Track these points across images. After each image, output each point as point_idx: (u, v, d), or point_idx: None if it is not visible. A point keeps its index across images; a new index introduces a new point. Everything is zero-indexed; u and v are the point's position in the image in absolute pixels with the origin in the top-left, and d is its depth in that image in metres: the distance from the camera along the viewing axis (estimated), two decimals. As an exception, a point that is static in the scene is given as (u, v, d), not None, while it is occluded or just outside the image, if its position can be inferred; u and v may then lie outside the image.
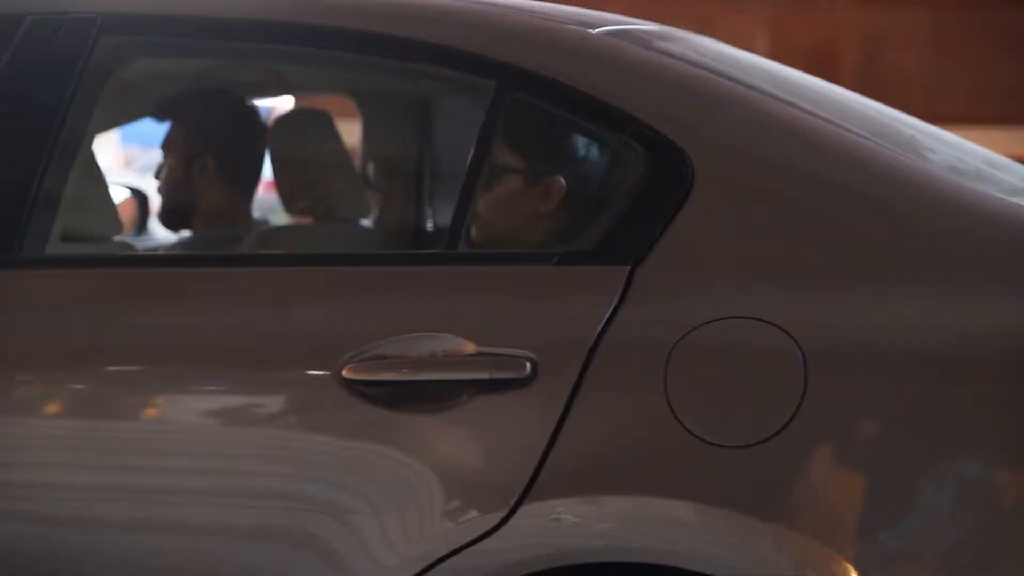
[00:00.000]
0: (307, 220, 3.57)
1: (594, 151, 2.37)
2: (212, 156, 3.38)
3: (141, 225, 4.16)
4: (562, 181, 2.33)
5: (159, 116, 3.66)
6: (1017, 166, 2.70)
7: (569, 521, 2.05)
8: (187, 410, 2.22)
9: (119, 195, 4.37)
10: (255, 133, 3.49)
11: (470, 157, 2.24)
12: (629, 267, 2.09)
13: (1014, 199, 2.34)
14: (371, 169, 3.66)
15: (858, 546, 1.96)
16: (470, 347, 2.10)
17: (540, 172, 2.33)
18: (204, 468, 2.21)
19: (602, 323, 2.06)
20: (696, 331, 2.03)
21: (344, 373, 2.12)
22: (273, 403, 2.19)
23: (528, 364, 2.07)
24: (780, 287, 2.05)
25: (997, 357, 1.99)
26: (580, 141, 2.35)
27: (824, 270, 2.05)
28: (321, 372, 2.13)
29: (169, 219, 3.52)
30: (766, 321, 2.02)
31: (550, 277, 2.14)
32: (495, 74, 2.24)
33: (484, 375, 2.09)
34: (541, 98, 2.23)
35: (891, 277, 2.04)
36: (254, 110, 3.54)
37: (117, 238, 2.97)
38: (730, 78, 2.32)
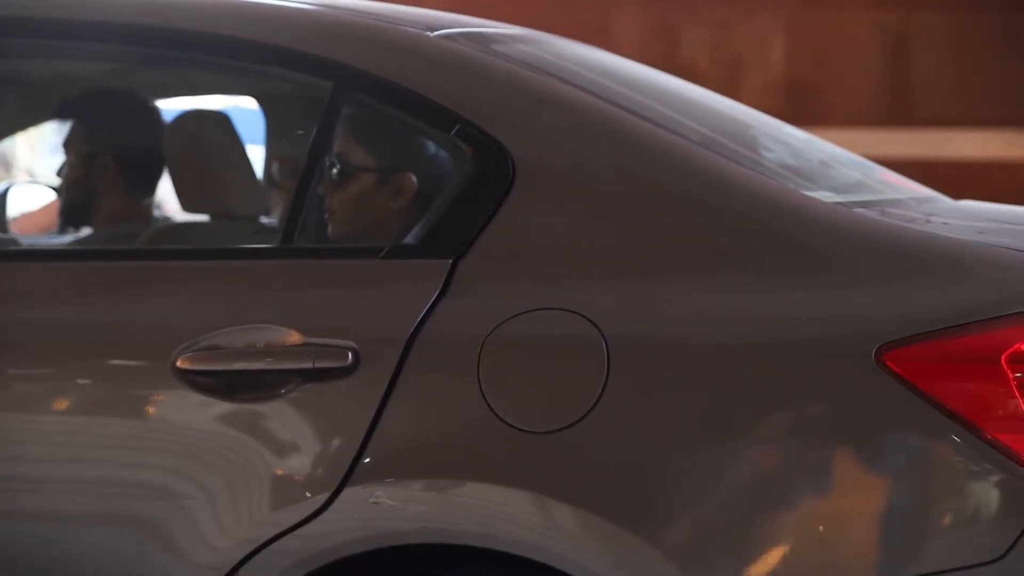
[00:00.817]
0: (203, 218, 3.64)
1: (426, 150, 2.46)
2: (111, 155, 3.45)
3: (48, 223, 4.24)
4: (413, 179, 2.42)
5: (60, 116, 3.75)
6: (857, 160, 2.79)
7: (387, 504, 2.13)
8: (26, 400, 2.30)
9: (27, 194, 4.47)
10: (153, 133, 3.56)
11: (306, 155, 2.32)
12: (451, 261, 2.18)
13: (844, 196, 2.44)
14: (269, 167, 3.75)
15: (658, 528, 2.04)
16: (295, 337, 2.19)
17: (382, 170, 2.42)
18: (45, 457, 2.29)
19: (420, 315, 2.15)
20: (507, 323, 2.12)
21: (177, 363, 2.20)
22: (111, 393, 2.27)
23: (350, 354, 2.16)
24: (588, 278, 2.13)
25: (790, 347, 2.07)
26: (413, 140, 2.44)
27: (630, 262, 2.14)
28: (156, 363, 2.22)
29: (71, 217, 3.59)
30: (573, 311, 2.10)
31: (376, 270, 2.23)
32: (331, 75, 2.33)
33: (308, 364, 2.17)
34: (375, 98, 2.32)
35: (693, 269, 2.12)
36: (153, 110, 3.62)
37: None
38: (565, 80, 2.40)
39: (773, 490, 2.02)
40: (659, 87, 2.76)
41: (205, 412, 2.21)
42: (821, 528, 2.02)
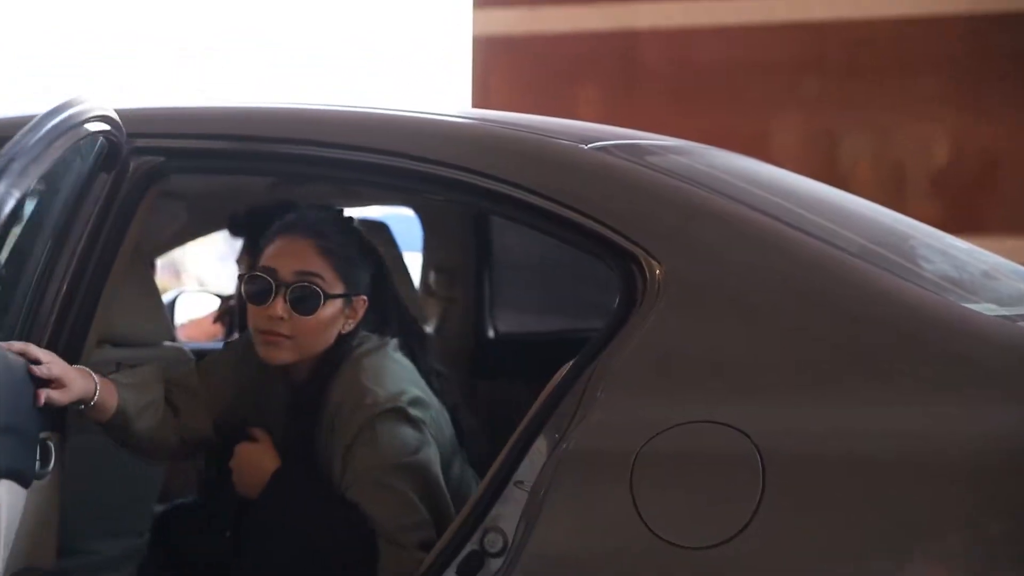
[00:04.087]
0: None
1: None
2: None
3: (229, 331, 4.35)
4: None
5: (232, 232, 3.87)
6: (1022, 271, 2.73)
7: None
8: None
9: (207, 303, 4.60)
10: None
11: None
12: (599, 371, 2.17)
13: (1009, 309, 2.39)
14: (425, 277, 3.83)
15: None
16: None
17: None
18: None
19: (568, 426, 2.15)
20: (661, 435, 2.10)
21: None
22: None
23: None
24: (741, 391, 2.11)
25: (955, 462, 2.01)
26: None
27: (784, 374, 2.11)
28: None
29: (237, 325, 3.68)
30: (727, 424, 2.08)
31: None
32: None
33: None
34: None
35: (850, 382, 2.08)
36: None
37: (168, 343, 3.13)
38: (719, 191, 2.40)
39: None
40: (814, 196, 2.74)
41: None
42: None
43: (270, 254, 2.58)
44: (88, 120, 2.35)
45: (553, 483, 2.11)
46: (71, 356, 2.44)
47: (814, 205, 2.61)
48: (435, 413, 2.56)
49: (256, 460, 2.58)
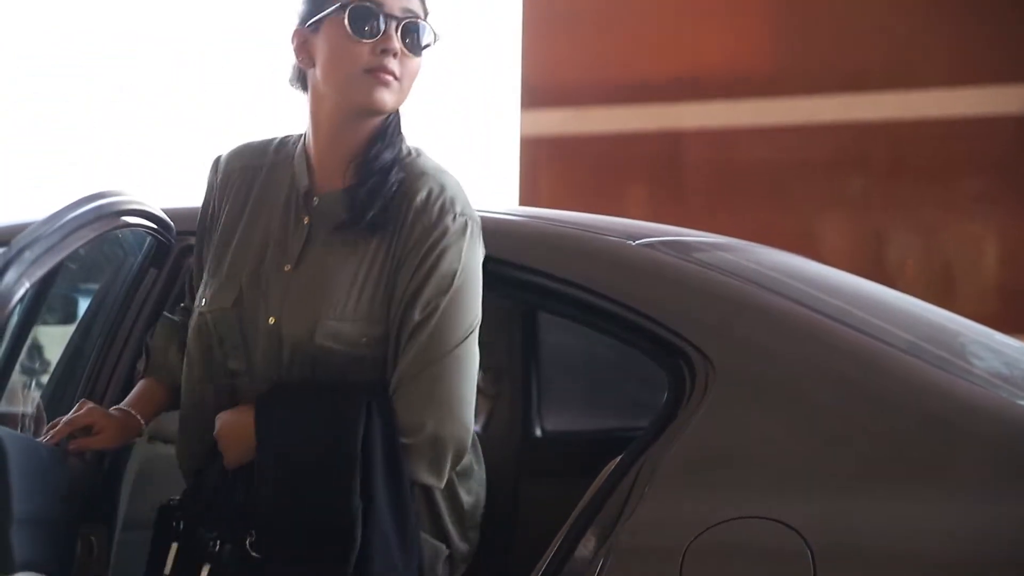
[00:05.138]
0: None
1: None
2: None
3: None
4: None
5: None
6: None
7: None
8: None
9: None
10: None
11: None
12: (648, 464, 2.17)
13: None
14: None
15: None
16: None
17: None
18: None
19: (619, 518, 2.14)
20: (711, 530, 2.09)
21: None
22: None
23: None
24: (791, 487, 2.10)
25: (1010, 563, 1.99)
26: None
27: (833, 469, 2.10)
28: None
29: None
30: (777, 520, 2.07)
31: None
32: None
33: None
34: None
35: (900, 479, 2.07)
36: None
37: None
38: (766, 287, 2.40)
39: None
40: (862, 293, 2.74)
41: None
42: None
43: None
44: (111, 215, 2.33)
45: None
46: (123, 453, 2.46)
47: (862, 301, 2.61)
48: None
49: (237, 419, 2.28)
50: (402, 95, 2.32)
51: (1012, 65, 6.12)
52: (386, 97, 2.29)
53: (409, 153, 2.34)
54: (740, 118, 6.72)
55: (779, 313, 2.29)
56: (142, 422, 2.39)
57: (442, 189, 2.30)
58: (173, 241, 2.53)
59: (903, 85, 6.33)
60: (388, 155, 2.31)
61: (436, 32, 2.32)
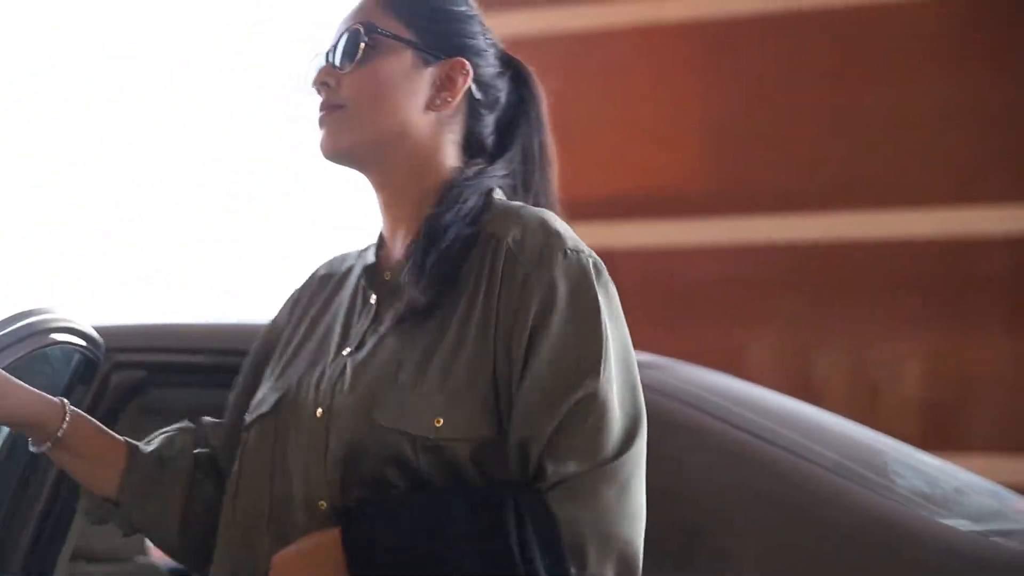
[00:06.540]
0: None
1: None
2: None
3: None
4: None
5: None
6: (992, 488, 2.75)
7: None
8: None
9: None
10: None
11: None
12: None
13: (980, 525, 2.41)
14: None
15: None
16: None
17: None
18: None
19: None
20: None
21: None
22: None
23: None
24: None
25: None
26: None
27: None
28: None
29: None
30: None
31: None
32: None
33: None
34: None
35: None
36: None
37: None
38: (693, 405, 2.43)
39: None
40: (788, 412, 2.78)
41: None
42: None
43: None
44: (41, 332, 2.28)
45: None
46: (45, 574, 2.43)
47: (788, 420, 2.65)
48: None
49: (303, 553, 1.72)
50: (355, 120, 1.86)
51: (936, 189, 6.27)
52: (323, 139, 1.88)
53: (481, 199, 1.85)
54: (673, 237, 6.81)
55: (706, 433, 2.32)
56: (66, 415, 1.97)
57: (540, 223, 1.82)
58: (101, 357, 2.52)
59: (834, 207, 6.45)
60: (448, 214, 1.82)
61: (363, 27, 1.86)
